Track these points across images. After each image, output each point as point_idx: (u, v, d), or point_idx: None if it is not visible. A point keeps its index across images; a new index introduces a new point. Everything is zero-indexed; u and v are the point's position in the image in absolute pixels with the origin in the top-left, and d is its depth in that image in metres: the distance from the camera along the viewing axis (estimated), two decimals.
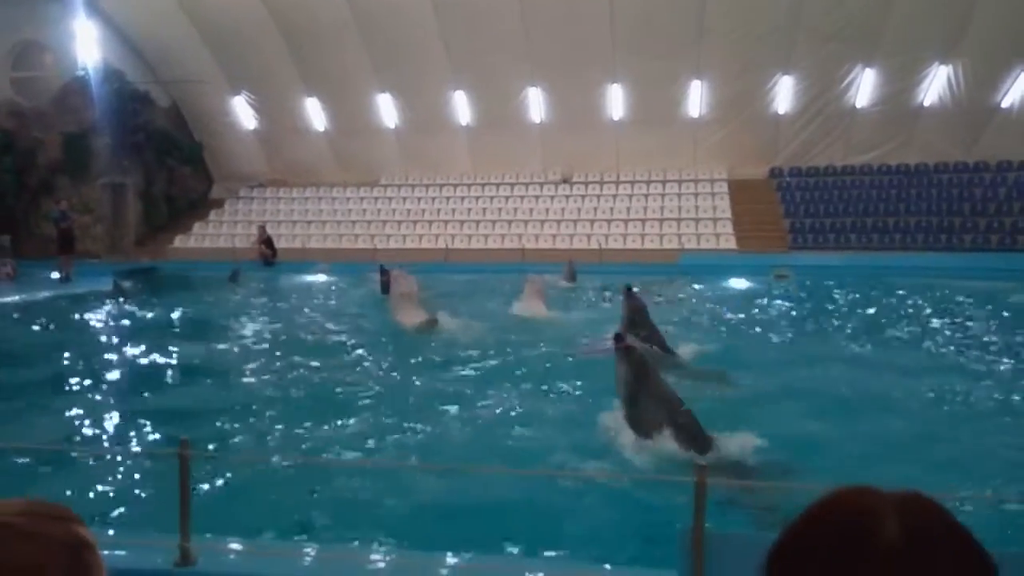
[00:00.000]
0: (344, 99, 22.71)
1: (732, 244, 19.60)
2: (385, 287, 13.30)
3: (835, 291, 14.35)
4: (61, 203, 17.30)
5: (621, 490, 4.34)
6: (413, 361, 8.15)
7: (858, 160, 21.66)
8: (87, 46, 20.71)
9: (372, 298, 13.48)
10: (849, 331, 10.09)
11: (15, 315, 11.98)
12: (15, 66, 20.94)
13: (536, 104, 22.31)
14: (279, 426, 5.93)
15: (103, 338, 10.10)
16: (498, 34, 20.25)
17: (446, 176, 23.68)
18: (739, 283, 15.94)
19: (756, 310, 12.30)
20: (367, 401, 6.52)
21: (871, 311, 12.10)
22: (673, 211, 21.23)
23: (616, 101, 21.94)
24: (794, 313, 12.40)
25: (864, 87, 20.66)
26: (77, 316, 12.01)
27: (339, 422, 5.87)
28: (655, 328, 7.78)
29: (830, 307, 12.65)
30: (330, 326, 10.77)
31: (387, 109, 22.91)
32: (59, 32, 20.51)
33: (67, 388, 7.33)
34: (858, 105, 20.95)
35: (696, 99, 21.59)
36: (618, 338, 5.39)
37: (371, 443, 5.44)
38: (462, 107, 22.64)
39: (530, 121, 22.58)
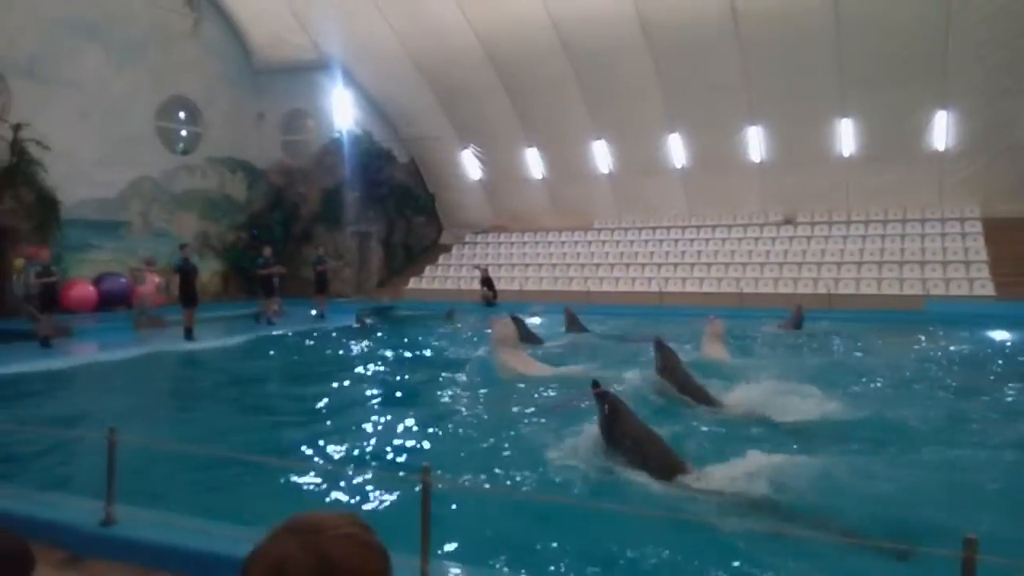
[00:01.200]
0: (561, 147, 23.63)
1: (990, 291, 17.30)
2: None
3: None
4: (319, 249, 19.76)
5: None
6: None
7: None
8: (342, 111, 23.67)
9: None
10: None
11: (282, 346, 13.82)
12: (285, 131, 24.46)
13: (756, 143, 21.60)
14: (484, 455, 6.23)
15: (350, 367, 11.35)
16: (716, 73, 19.97)
17: (660, 219, 23.59)
18: (999, 335, 14.01)
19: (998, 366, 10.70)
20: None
21: None
22: (915, 253, 19.29)
23: (846, 136, 20.57)
24: None
25: None
26: (330, 348, 13.68)
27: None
28: (689, 376, 8.15)
29: None
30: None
31: (602, 155, 23.45)
32: (320, 100, 23.67)
33: (320, 409, 8.31)
34: None
35: (941, 130, 19.62)
36: (595, 384, 6.01)
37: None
38: (677, 149, 22.54)
39: (749, 161, 21.87)
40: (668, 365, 8.31)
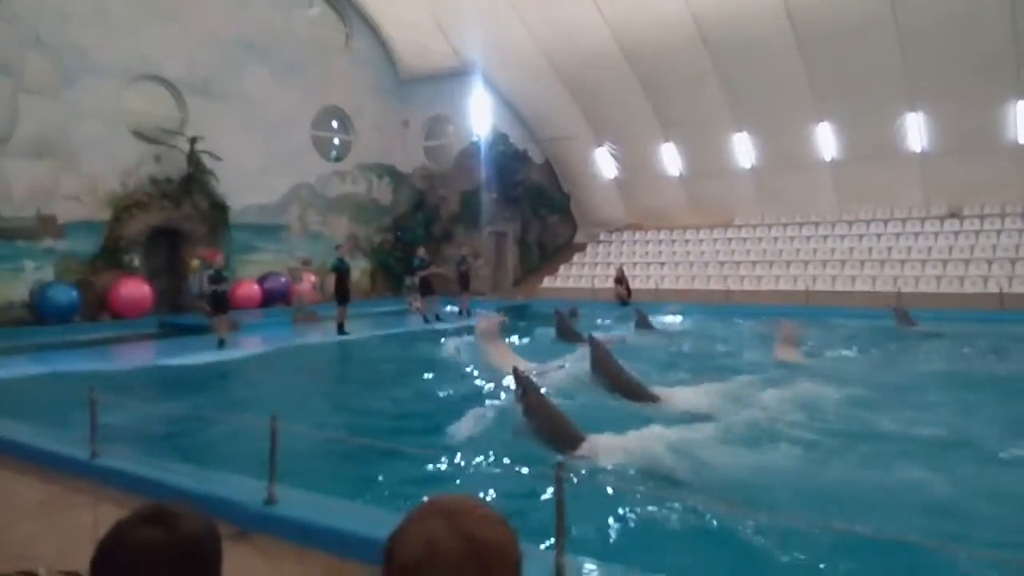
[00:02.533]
0: (699, 142, 22.97)
1: None
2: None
3: None
4: (463, 249, 20.40)
5: None
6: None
7: None
8: (481, 115, 24.33)
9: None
10: None
11: (426, 341, 14.38)
12: (427, 136, 25.48)
13: (916, 130, 19.98)
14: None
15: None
16: (869, 57, 18.65)
17: (807, 214, 22.38)
18: None
19: None
20: None
21: None
22: None
23: (1022, 119, 18.57)
24: None
25: None
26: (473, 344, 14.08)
27: None
28: (622, 369, 8.77)
29: None
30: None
31: (743, 148, 22.58)
32: (460, 105, 24.47)
33: (461, 403, 8.61)
34: None
35: None
36: (515, 369, 7.48)
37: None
38: (826, 140, 21.28)
39: (908, 150, 20.27)
40: (599, 360, 9.12)
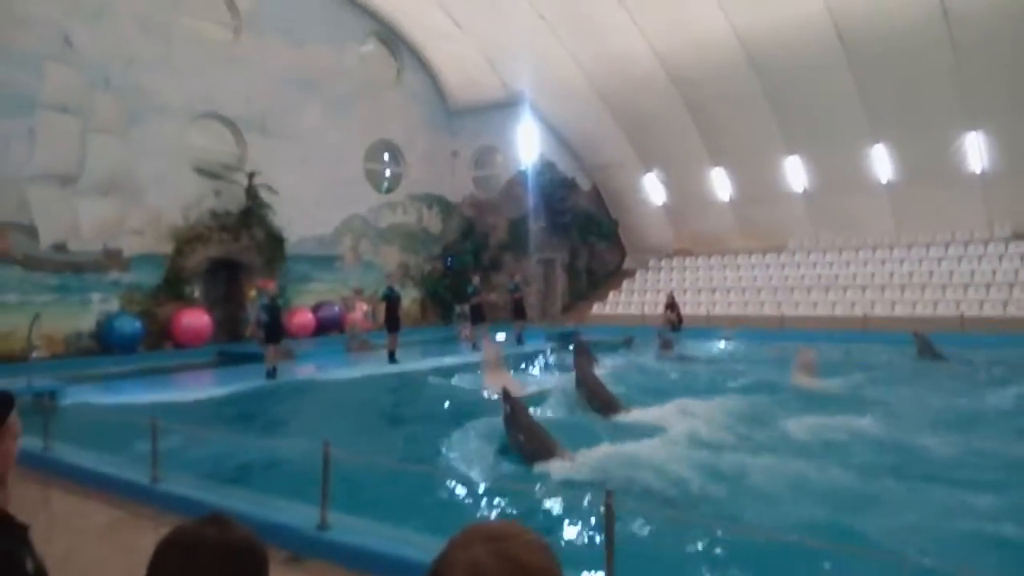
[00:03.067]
0: (750, 165, 22.73)
1: None
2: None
3: None
4: (516, 277, 20.47)
5: None
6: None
7: None
8: (528, 144, 24.56)
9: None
10: None
11: (468, 370, 14.32)
12: (476, 166, 25.82)
13: (976, 150, 19.40)
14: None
15: (547, 387, 11.60)
16: (925, 77, 18.28)
17: (863, 238, 21.85)
18: None
19: None
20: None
21: None
22: None
23: None
24: None
25: None
26: (526, 372, 14.19)
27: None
28: (599, 386, 9.85)
29: None
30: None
31: (795, 171, 22.23)
32: (508, 135, 24.75)
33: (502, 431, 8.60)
34: None
35: None
36: (504, 390, 8.13)
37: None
38: (882, 162, 20.81)
39: (968, 170, 19.67)
40: (581, 377, 10.15)
